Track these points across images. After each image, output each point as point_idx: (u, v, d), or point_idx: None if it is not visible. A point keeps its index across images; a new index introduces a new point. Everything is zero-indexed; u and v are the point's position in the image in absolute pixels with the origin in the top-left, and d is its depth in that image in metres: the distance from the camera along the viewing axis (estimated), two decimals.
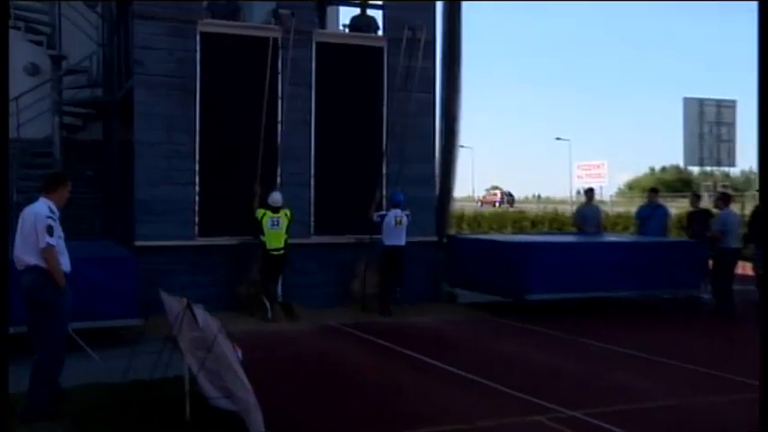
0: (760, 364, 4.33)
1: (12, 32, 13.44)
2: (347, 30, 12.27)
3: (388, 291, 10.95)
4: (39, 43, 13.70)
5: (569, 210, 27.26)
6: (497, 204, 49.77)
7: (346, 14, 15.89)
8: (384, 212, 11.03)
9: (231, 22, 11.03)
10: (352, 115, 11.50)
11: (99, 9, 14.13)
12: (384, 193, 11.55)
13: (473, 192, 64.74)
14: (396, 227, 10.84)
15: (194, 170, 10.58)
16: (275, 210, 10.33)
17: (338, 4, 14.91)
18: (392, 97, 11.73)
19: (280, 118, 11.04)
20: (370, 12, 12.32)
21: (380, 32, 11.82)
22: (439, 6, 12.28)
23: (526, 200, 55.53)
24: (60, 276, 5.79)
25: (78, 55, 13.95)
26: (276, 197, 10.41)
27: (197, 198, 10.59)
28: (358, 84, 11.50)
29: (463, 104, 12.46)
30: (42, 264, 5.75)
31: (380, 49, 11.66)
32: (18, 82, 13.94)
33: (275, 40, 10.94)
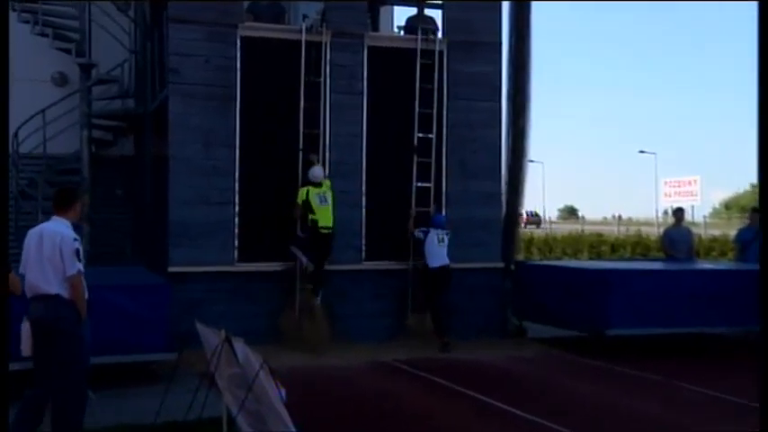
0: (760, 363, 4.21)
1: (40, 40, 13.99)
2: (402, 32, 12.39)
3: (442, 318, 10.96)
4: (67, 51, 14.16)
5: (655, 232, 26.76)
6: (523, 226, 49.08)
7: (402, 15, 16.02)
8: (426, 229, 11.16)
9: (275, 26, 11.27)
10: (407, 127, 11.58)
11: (131, 12, 14.58)
12: (444, 213, 11.57)
13: (544, 212, 64.23)
14: (439, 245, 11.03)
15: (234, 188, 10.79)
16: (317, 185, 10.56)
17: (393, 4, 15.09)
18: (453, 107, 11.78)
19: (327, 130, 11.18)
20: (428, 12, 12.40)
21: (440, 34, 11.90)
22: (505, 6, 12.31)
23: (605, 221, 54.73)
24: (85, 306, 5.81)
25: (109, 63, 14.38)
26: (317, 172, 10.66)
27: (237, 219, 10.78)
28: (414, 92, 11.58)
29: (532, 114, 12.43)
30: (65, 293, 5.73)
31: (440, 54, 11.74)
32: (46, 93, 14.49)
33: (323, 44, 11.12)
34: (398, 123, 11.59)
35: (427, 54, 11.68)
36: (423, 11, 12.24)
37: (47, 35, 13.94)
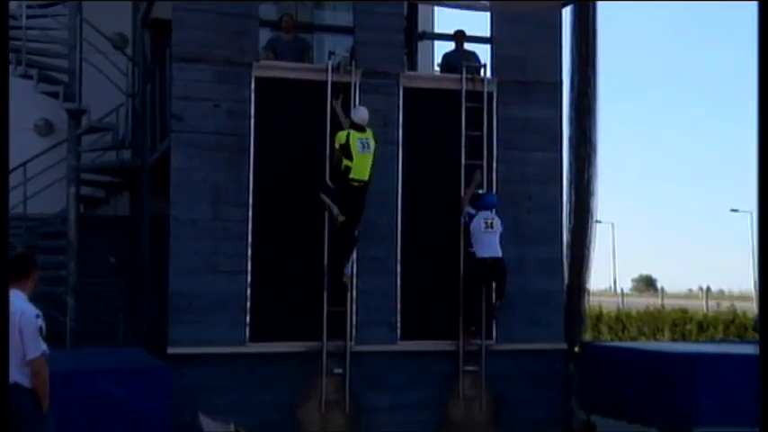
0: (760, 364, 4.19)
1: (22, 83, 14.37)
2: (442, 71, 12.62)
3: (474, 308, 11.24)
4: (54, 95, 14.50)
5: (753, 308, 26.35)
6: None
7: (443, 51, 16.22)
8: (473, 211, 11.34)
9: (296, 65, 11.56)
10: (450, 181, 11.71)
11: (129, 50, 14.99)
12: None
13: (614, 283, 63.56)
14: (486, 231, 11.21)
15: (246, 255, 10.93)
16: (361, 130, 10.67)
17: (433, 39, 15.37)
18: (504, 157, 11.91)
19: None
20: (474, 47, 12.61)
21: (488, 73, 12.09)
22: (566, 39, 12.50)
23: (690, 294, 54.04)
24: (47, 397, 5.78)
25: (102, 109, 14.69)
26: (363, 113, 10.77)
27: (249, 291, 10.91)
28: (458, 139, 11.74)
29: (599, 165, 12.51)
30: (25, 381, 5.68)
31: (488, 96, 11.92)
32: (28, 144, 14.77)
33: (352, 85, 11.36)
34: (440, 178, 11.72)
35: (474, 96, 11.86)
36: (463, 45, 12.46)
37: (31, 77, 14.26)
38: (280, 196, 11.16)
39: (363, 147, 10.66)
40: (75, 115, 14.38)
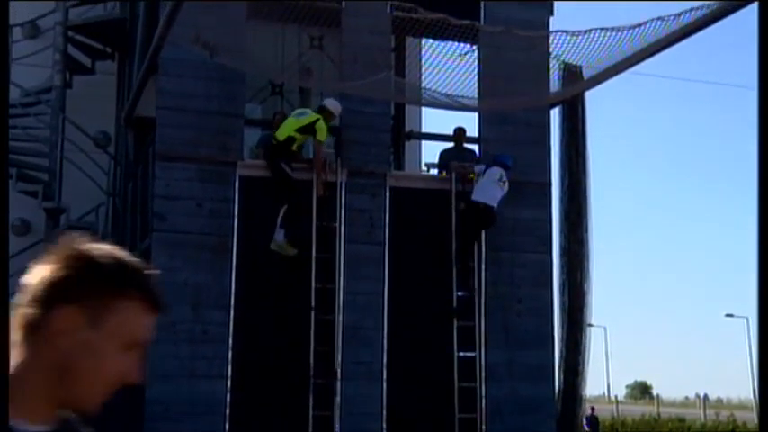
0: (759, 364, 4.40)
1: None
2: (433, 170, 12.76)
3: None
4: (33, 194, 14.58)
5: (753, 418, 26.16)
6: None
7: (431, 151, 16.48)
8: (482, 167, 11.65)
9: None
10: (438, 284, 11.72)
11: (112, 149, 15.15)
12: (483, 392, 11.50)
13: (608, 389, 63.01)
14: (497, 184, 11.47)
15: (227, 358, 10.86)
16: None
17: (420, 139, 15.59)
18: (493, 259, 11.95)
19: (342, 287, 11.34)
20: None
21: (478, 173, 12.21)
22: (555, 139, 12.70)
23: (687, 402, 53.64)
24: None
25: (82, 208, 14.76)
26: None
27: (229, 397, 10.78)
28: (447, 242, 11.80)
29: (593, 266, 12.58)
30: None
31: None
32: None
33: (338, 184, 11.47)
34: (428, 280, 11.73)
35: (463, 197, 11.98)
36: (463, 143, 12.63)
37: (10, 176, 14.39)
38: (264, 297, 11.14)
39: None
40: (54, 214, 14.43)
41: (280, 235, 10.92)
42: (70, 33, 14.61)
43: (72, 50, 14.73)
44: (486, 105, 12.31)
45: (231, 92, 11.41)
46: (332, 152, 11.97)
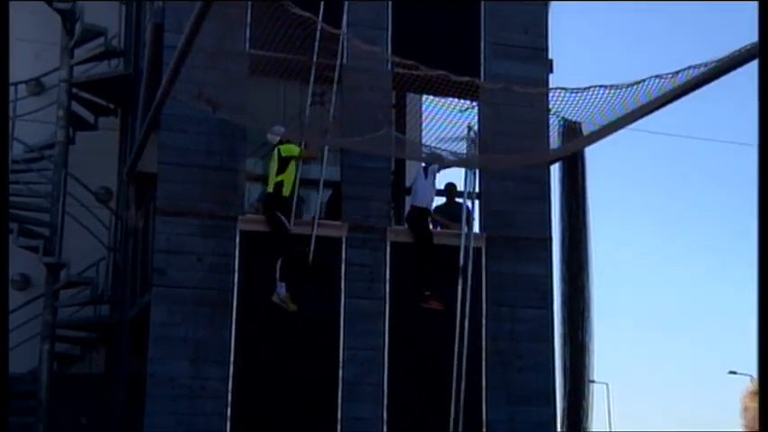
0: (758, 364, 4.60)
1: None
2: (433, 224, 12.76)
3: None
4: (34, 249, 14.57)
5: None
6: None
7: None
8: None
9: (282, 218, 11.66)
10: (439, 339, 11.67)
11: (113, 204, 15.18)
12: None
13: None
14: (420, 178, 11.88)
15: (226, 415, 10.77)
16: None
17: None
18: (494, 314, 11.90)
19: (342, 342, 11.28)
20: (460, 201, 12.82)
21: (476, 228, 12.25)
22: (555, 195, 12.74)
23: None
24: None
25: (82, 263, 14.75)
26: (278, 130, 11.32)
27: None
28: (447, 296, 11.76)
29: (594, 321, 12.53)
30: None
31: (477, 251, 12.03)
32: None
33: (339, 239, 11.47)
34: (428, 335, 11.68)
35: (459, 251, 11.96)
36: (454, 199, 12.70)
37: (11, 231, 14.38)
38: (263, 354, 11.09)
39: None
40: (54, 269, 14.41)
41: (282, 289, 10.93)
42: (74, 90, 14.73)
43: (75, 107, 14.84)
44: (486, 162, 12.36)
45: (233, 147, 11.48)
46: (324, 201, 12.06)
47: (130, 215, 11.40)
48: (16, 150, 14.39)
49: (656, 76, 9.63)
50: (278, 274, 10.93)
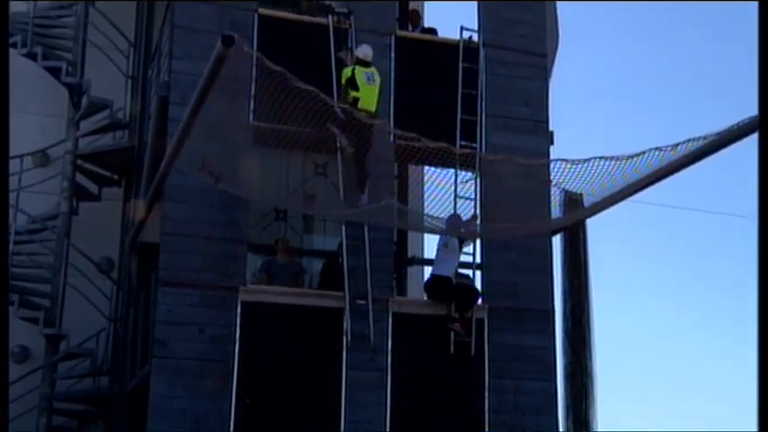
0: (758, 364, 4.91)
1: None
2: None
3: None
4: (34, 321, 14.51)
5: None
6: None
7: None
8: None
9: (284, 289, 11.74)
10: (441, 411, 11.58)
11: (115, 275, 15.17)
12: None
13: None
14: (443, 250, 11.88)
15: None
16: (365, 64, 11.38)
17: (422, 264, 15.61)
18: (496, 387, 11.81)
19: (343, 415, 11.17)
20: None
21: (479, 300, 12.22)
22: (557, 265, 12.74)
23: None
24: None
25: (82, 334, 14.65)
26: (367, 49, 11.51)
27: None
28: (449, 370, 11.72)
29: (598, 393, 12.44)
30: None
31: (479, 323, 11.98)
32: None
33: (339, 310, 11.43)
34: (431, 407, 11.58)
35: (466, 323, 11.91)
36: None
37: (11, 303, 14.32)
38: (263, 426, 10.98)
39: (369, 79, 11.33)
40: (54, 341, 14.33)
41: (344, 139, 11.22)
42: (79, 162, 14.83)
43: (80, 178, 14.93)
44: (487, 232, 12.39)
45: (235, 218, 11.52)
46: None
47: (133, 206, 11.38)
48: (20, 221, 14.42)
49: (656, 149, 9.72)
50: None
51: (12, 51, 14.00)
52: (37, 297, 14.68)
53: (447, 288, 11.76)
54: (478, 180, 12.20)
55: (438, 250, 11.99)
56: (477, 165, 11.87)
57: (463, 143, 12.17)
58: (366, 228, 11.71)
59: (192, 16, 11.85)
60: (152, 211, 12.10)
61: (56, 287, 14.50)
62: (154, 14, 14.48)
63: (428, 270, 15.72)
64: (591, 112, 31.95)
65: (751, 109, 9.07)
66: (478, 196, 12.19)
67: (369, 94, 11.39)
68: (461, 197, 12.08)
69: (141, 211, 12.54)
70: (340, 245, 11.95)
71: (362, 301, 11.43)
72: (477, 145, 12.27)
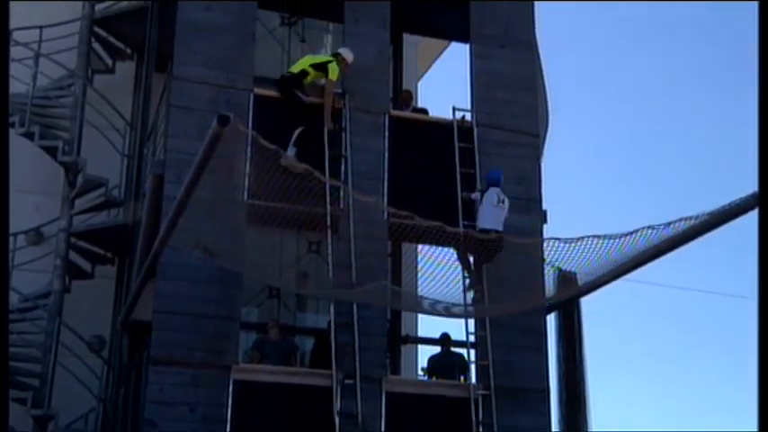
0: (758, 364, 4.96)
1: None
2: (427, 375, 12.66)
3: None
4: (22, 401, 14.29)
5: None
6: None
7: (428, 354, 16.37)
8: (477, 195, 12.20)
9: (276, 368, 11.65)
10: None
11: (106, 353, 15.03)
12: None
13: None
14: (497, 206, 11.88)
15: None
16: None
17: (416, 343, 15.52)
18: None
19: None
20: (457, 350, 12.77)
21: (473, 377, 12.12)
22: (552, 344, 12.68)
23: None
24: None
25: (71, 414, 14.46)
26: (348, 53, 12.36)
27: None
28: None
29: None
30: None
31: (474, 402, 11.85)
32: None
33: (332, 390, 11.32)
34: None
35: (460, 403, 11.82)
36: (450, 348, 12.62)
37: None
38: None
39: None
40: (42, 422, 14.12)
41: (291, 152, 11.24)
42: (73, 239, 14.82)
43: (73, 256, 14.90)
44: (481, 312, 12.35)
45: (228, 295, 11.48)
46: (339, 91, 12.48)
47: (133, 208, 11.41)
48: (11, 300, 14.33)
49: (649, 227, 9.76)
50: (292, 140, 11.50)
51: (9, 131, 14.11)
52: (26, 377, 14.51)
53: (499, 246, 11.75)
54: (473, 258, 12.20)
55: (487, 205, 11.98)
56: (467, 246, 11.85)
57: (465, 223, 12.22)
58: (355, 306, 11.66)
59: (188, 95, 11.99)
60: (144, 290, 12.04)
61: (45, 367, 14.31)
62: (151, 94, 14.62)
63: (422, 349, 15.69)
64: (584, 190, 32.21)
65: (747, 186, 9.12)
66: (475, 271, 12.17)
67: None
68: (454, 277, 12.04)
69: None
70: (329, 323, 11.90)
71: (350, 380, 11.32)
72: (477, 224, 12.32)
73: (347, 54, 12.37)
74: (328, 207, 11.58)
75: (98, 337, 15.29)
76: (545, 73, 13.90)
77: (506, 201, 12.07)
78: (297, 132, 11.71)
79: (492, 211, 11.95)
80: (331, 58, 12.36)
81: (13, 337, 14.36)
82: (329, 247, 11.75)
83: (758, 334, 4.88)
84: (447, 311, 12.34)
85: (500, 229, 11.84)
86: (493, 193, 12.07)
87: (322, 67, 12.20)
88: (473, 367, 12.28)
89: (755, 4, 7.36)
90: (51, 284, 14.52)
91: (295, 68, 12.33)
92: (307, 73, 12.20)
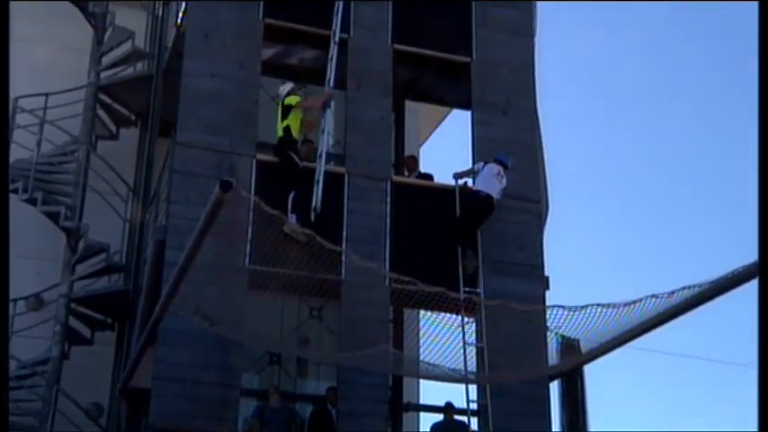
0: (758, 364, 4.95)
1: None
2: None
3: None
4: None
5: None
6: None
7: (430, 422, 16.25)
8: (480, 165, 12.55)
9: None
10: None
11: (104, 421, 14.86)
12: None
13: None
14: (497, 177, 12.28)
15: None
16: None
17: (418, 410, 15.36)
18: None
19: None
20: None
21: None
22: (556, 411, 12.57)
23: None
24: None
25: None
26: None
27: None
28: None
29: None
30: None
31: None
32: None
33: None
34: None
35: None
36: (452, 418, 12.48)
37: None
38: None
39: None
40: None
41: (293, 219, 11.24)
42: (73, 305, 14.75)
43: (73, 322, 14.81)
44: (484, 379, 12.23)
45: (228, 362, 11.38)
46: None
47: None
48: (10, 367, 14.22)
49: (653, 296, 9.68)
50: (290, 206, 11.50)
51: (12, 197, 14.16)
52: None
53: (487, 207, 12.22)
54: (478, 326, 12.14)
55: (488, 174, 12.34)
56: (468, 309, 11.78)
57: (467, 289, 12.16)
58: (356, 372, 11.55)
59: (190, 161, 12.02)
60: (144, 356, 11.94)
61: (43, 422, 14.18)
62: (153, 160, 14.69)
63: (425, 416, 15.53)
64: (587, 257, 32.16)
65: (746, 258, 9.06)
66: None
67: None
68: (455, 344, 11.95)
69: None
70: (328, 389, 11.78)
71: None
72: (481, 290, 12.29)
73: (284, 88, 12.50)
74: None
75: (96, 404, 15.13)
76: (545, 145, 13.95)
77: (505, 181, 12.42)
78: (291, 198, 11.77)
79: (490, 179, 12.35)
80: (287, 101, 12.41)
81: (11, 405, 14.21)
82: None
83: (758, 334, 4.81)
84: (449, 377, 12.25)
85: (495, 196, 12.27)
86: (495, 167, 12.44)
87: (286, 110, 12.23)
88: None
89: (755, 4, 7.36)
90: (50, 351, 14.42)
91: (279, 132, 12.35)
92: (289, 128, 12.19)
